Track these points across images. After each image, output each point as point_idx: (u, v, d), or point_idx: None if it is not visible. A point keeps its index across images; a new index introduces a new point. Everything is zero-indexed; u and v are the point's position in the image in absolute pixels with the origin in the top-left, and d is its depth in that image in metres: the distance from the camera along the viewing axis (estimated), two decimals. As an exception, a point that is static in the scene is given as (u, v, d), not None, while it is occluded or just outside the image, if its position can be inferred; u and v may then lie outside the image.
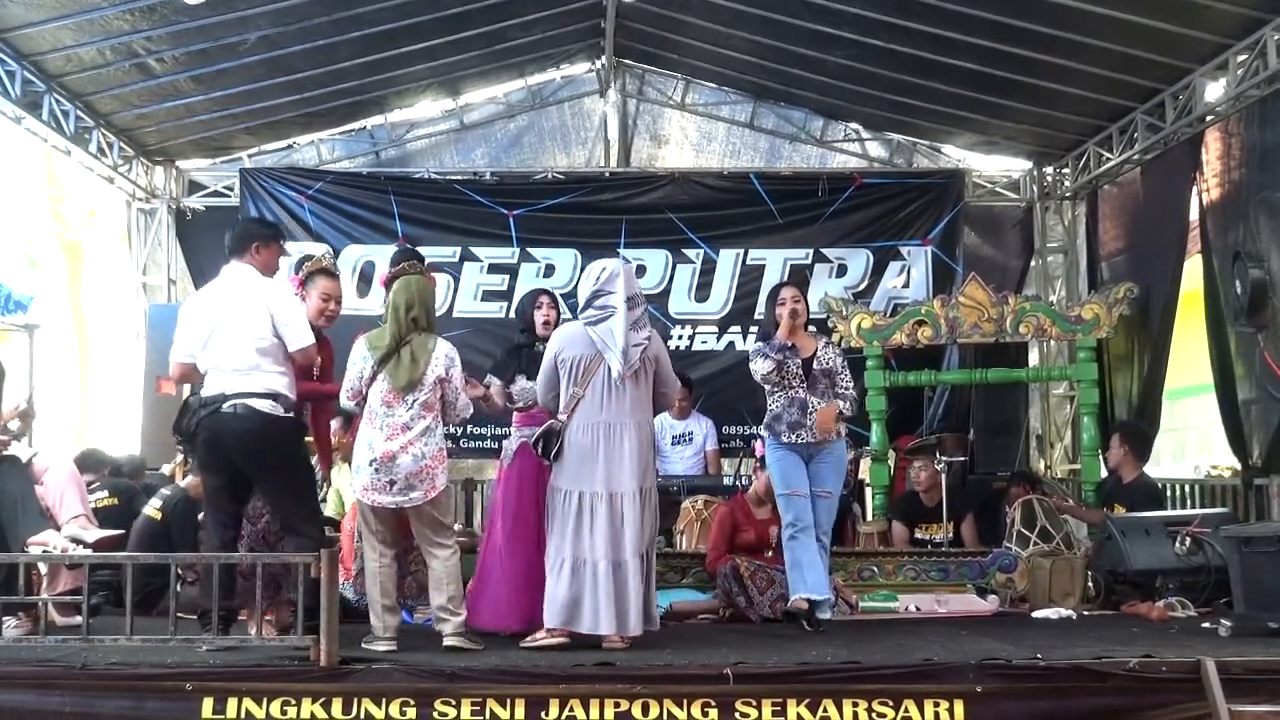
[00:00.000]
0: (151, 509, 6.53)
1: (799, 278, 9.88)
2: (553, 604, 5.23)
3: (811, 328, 6.49)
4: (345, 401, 5.36)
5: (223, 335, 5.14)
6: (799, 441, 5.94)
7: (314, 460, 5.74)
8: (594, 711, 4.48)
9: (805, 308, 6.15)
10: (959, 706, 4.50)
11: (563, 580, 5.23)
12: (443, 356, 5.29)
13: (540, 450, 5.37)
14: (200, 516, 6.13)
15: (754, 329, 9.14)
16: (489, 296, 10.37)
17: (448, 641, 5.10)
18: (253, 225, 5.58)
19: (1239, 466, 8.04)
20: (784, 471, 5.97)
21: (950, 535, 7.59)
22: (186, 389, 5.66)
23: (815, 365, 6.01)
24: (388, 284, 5.50)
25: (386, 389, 5.21)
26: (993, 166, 11.03)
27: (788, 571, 5.93)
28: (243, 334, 5.12)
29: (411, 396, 5.20)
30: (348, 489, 7.10)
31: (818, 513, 5.95)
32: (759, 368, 5.99)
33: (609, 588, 5.19)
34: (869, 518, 8.16)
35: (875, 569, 7.09)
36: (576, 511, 5.26)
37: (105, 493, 6.89)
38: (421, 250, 7.70)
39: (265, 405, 5.08)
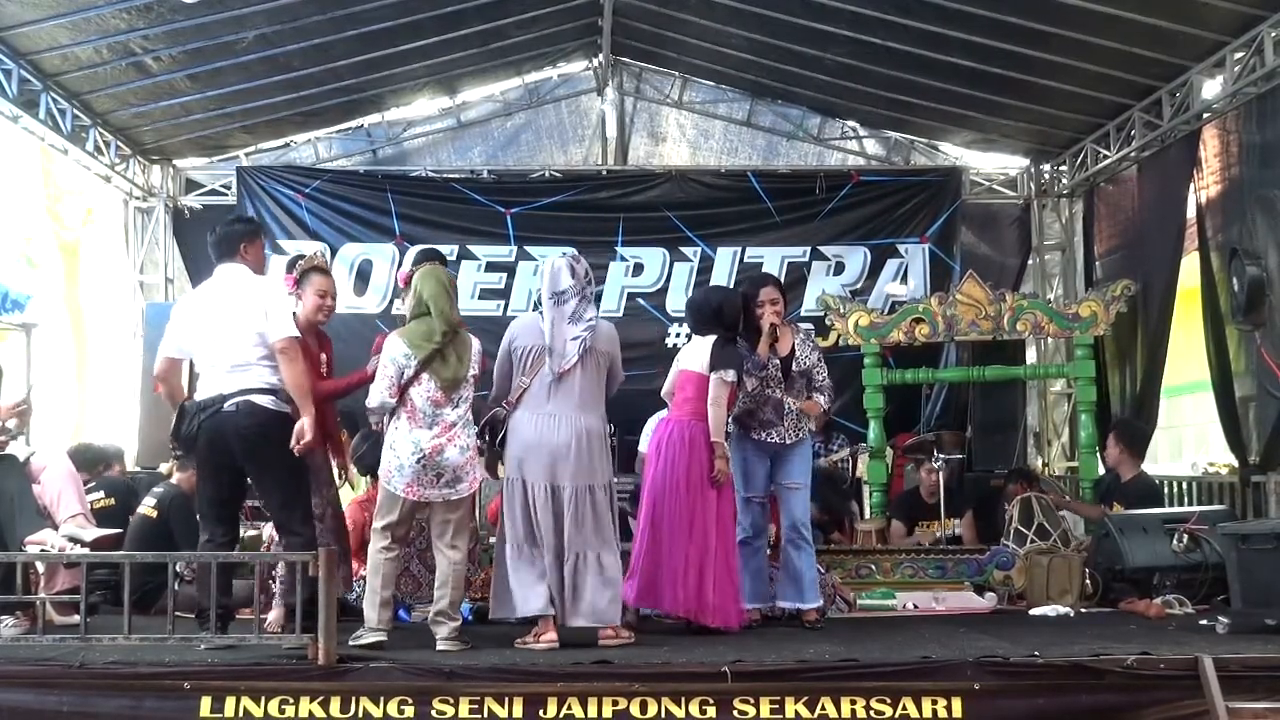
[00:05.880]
0: (146, 508, 6.52)
1: (795, 277, 9.86)
2: (522, 594, 5.21)
3: (808, 325, 6.46)
4: (387, 398, 5.19)
5: (219, 334, 5.14)
6: (768, 440, 5.94)
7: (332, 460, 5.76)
8: (592, 710, 4.48)
9: (784, 308, 6.10)
10: (957, 704, 4.50)
11: (521, 566, 5.24)
12: (478, 354, 5.36)
13: (486, 438, 5.41)
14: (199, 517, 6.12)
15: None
16: (486, 295, 10.35)
17: (441, 646, 5.09)
18: (237, 225, 5.50)
19: (1236, 464, 8.04)
20: (746, 474, 5.98)
21: (951, 533, 7.58)
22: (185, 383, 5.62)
23: (794, 366, 5.99)
24: (408, 281, 5.48)
25: (434, 388, 5.19)
26: (990, 164, 11.03)
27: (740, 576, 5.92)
28: (240, 332, 5.11)
29: (457, 394, 5.23)
30: (347, 495, 7.07)
31: (792, 506, 5.97)
32: (746, 387, 5.89)
33: (555, 576, 5.23)
34: (867, 515, 8.17)
35: (873, 566, 7.10)
36: (523, 500, 5.30)
37: (101, 493, 6.86)
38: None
39: (266, 401, 5.08)
